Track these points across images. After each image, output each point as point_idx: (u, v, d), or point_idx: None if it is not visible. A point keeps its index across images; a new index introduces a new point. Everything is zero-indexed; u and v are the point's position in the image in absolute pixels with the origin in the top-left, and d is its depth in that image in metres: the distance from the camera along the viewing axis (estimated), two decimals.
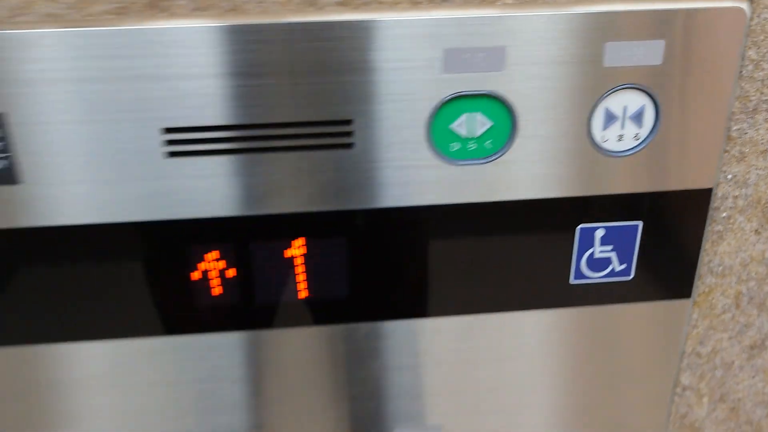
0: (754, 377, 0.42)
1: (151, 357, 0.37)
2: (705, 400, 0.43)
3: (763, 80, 0.34)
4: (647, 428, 0.43)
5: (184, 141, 0.32)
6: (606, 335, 0.40)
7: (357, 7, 0.31)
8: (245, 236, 0.35)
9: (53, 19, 0.30)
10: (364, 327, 0.38)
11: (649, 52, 0.33)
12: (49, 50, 0.30)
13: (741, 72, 0.34)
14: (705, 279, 0.39)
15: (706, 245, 0.38)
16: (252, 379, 0.38)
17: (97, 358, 0.37)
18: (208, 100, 0.32)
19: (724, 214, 0.37)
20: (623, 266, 0.38)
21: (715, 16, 0.32)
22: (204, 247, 0.35)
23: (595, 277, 0.38)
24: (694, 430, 0.44)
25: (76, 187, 0.33)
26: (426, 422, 0.42)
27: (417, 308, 0.38)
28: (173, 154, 0.33)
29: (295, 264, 0.36)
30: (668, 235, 0.37)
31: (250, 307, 0.37)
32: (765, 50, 0.33)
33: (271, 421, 0.40)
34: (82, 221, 0.33)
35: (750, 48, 0.33)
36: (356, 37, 0.31)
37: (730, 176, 0.36)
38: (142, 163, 0.33)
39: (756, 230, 0.38)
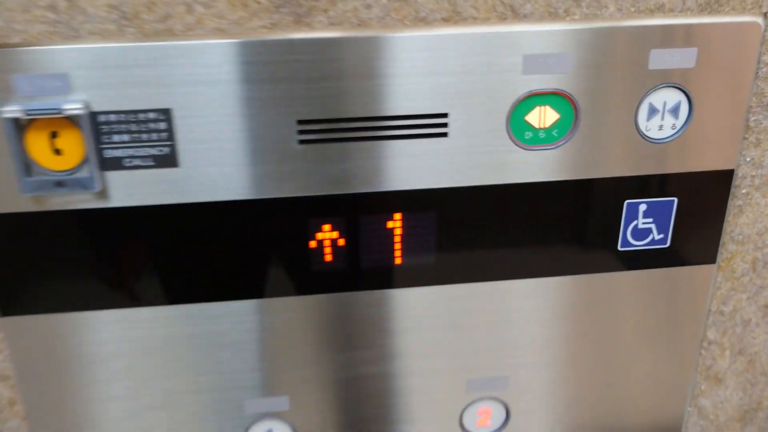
0: None
1: (270, 315, 0.44)
2: (727, 353, 0.50)
3: None
4: (677, 378, 0.51)
5: (313, 131, 0.40)
6: (645, 296, 0.48)
7: (457, 23, 0.39)
8: (355, 211, 0.42)
9: (220, 33, 0.37)
10: (448, 289, 0.45)
11: (685, 58, 0.41)
12: (212, 57, 0.38)
13: (757, 73, 0.42)
14: (727, 246, 0.47)
15: (729, 217, 0.46)
16: (355, 332, 0.46)
17: (229, 316, 0.44)
18: (333, 98, 0.39)
19: (744, 191, 0.45)
20: (661, 236, 0.46)
21: (737, 29, 0.41)
22: (321, 220, 0.43)
23: (638, 245, 0.46)
24: (717, 380, 0.51)
25: (223, 170, 0.40)
26: (492, 374, 0.49)
27: (492, 272, 0.45)
28: (303, 141, 0.40)
29: (394, 234, 0.43)
30: (698, 208, 0.45)
31: (357, 272, 0.44)
32: None
33: (370, 369, 0.47)
34: (226, 198, 0.41)
35: (765, 54, 0.41)
36: (454, 46, 0.39)
37: (748, 159, 0.44)
38: (278, 149, 0.40)
39: None
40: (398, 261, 0.44)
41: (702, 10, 0.40)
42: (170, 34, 0.37)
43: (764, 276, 0.48)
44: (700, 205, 0.45)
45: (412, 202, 0.43)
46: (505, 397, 0.50)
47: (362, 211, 0.43)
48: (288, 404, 0.47)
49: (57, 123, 0.38)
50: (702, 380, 0.51)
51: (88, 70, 0.37)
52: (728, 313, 0.49)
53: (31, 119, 0.38)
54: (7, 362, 0.44)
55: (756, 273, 0.48)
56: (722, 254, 0.47)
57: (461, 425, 0.50)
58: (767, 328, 0.50)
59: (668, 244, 0.46)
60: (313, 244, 0.43)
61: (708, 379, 0.51)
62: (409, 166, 0.42)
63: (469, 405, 0.50)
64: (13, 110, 0.37)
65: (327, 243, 0.43)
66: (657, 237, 0.46)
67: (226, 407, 0.47)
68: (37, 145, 0.38)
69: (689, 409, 0.52)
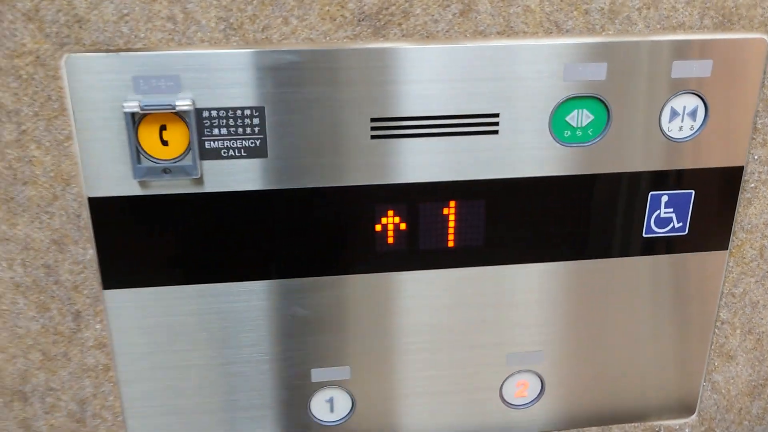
0: None
1: (337, 291, 0.50)
2: (738, 332, 0.57)
3: None
4: (694, 355, 0.57)
5: (383, 128, 0.46)
6: (666, 278, 0.54)
7: (510, 36, 0.45)
8: (415, 198, 0.49)
9: (310, 42, 0.43)
10: (493, 270, 0.51)
11: (701, 68, 0.47)
12: (301, 62, 0.44)
13: (764, 82, 0.48)
14: (738, 235, 0.53)
15: (739, 208, 0.52)
16: (410, 308, 0.51)
17: (299, 291, 0.50)
18: (401, 99, 0.46)
19: (752, 185, 0.52)
20: (680, 224, 0.52)
21: (746, 44, 0.47)
22: (385, 207, 0.49)
23: (660, 232, 0.52)
24: (729, 357, 0.57)
25: (305, 160, 0.46)
26: (530, 349, 0.55)
27: (532, 255, 0.51)
28: (374, 137, 0.46)
29: (448, 220, 0.50)
30: (712, 200, 0.52)
31: (415, 253, 0.50)
32: None
33: (422, 342, 0.53)
34: (309, 185, 0.47)
35: None
36: (506, 55, 0.45)
37: (756, 157, 0.51)
38: (353, 143, 0.46)
39: None
40: (451, 244, 0.50)
41: (716, 27, 0.47)
42: (268, 42, 0.43)
43: None
44: (714, 197, 0.52)
45: (465, 191, 0.49)
46: (541, 370, 0.56)
47: (421, 199, 0.49)
48: (349, 374, 0.53)
49: (166, 117, 0.44)
50: (715, 357, 0.57)
51: (196, 72, 0.43)
52: (739, 295, 0.55)
53: (144, 114, 0.44)
54: (105, 331, 0.49)
55: (763, 259, 0.54)
56: (733, 241, 0.53)
57: (501, 396, 0.56)
58: None
59: (686, 231, 0.52)
60: (378, 227, 0.49)
61: (721, 356, 0.57)
62: (464, 160, 0.48)
63: (508, 377, 0.55)
64: (131, 106, 0.43)
65: (390, 227, 0.49)
66: (677, 225, 0.52)
67: (294, 375, 0.52)
68: (148, 136, 0.44)
69: (704, 383, 0.58)
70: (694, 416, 0.59)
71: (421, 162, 0.48)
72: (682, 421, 0.59)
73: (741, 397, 0.59)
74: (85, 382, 0.51)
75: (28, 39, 0.41)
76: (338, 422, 0.55)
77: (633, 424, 0.59)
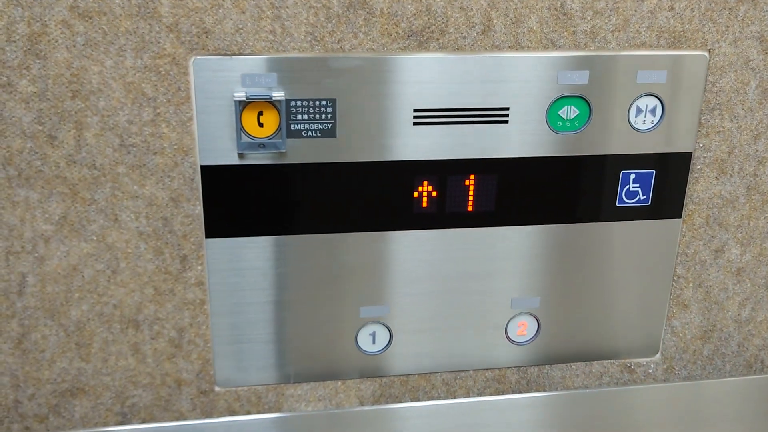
0: (718, 271, 0.72)
1: (382, 244, 0.65)
2: (690, 285, 0.72)
3: (716, 92, 0.65)
4: (655, 304, 0.72)
5: (423, 116, 0.61)
6: (634, 240, 0.69)
7: (518, 49, 0.61)
8: (444, 172, 0.64)
9: (372, 51, 0.59)
10: (503, 229, 0.66)
11: (659, 76, 0.63)
12: (365, 66, 0.59)
13: (705, 87, 0.65)
14: (689, 206, 0.69)
15: (689, 185, 0.68)
16: (439, 259, 0.66)
17: (355, 243, 0.64)
18: (437, 94, 0.61)
19: (699, 167, 0.67)
20: (645, 197, 0.68)
21: (692, 58, 0.64)
22: (421, 178, 0.64)
23: (630, 202, 0.68)
24: (684, 306, 0.73)
25: (363, 141, 0.61)
26: (529, 295, 0.70)
27: (534, 218, 0.67)
28: (416, 123, 0.62)
29: (469, 189, 0.65)
30: (668, 178, 0.67)
31: (442, 215, 0.65)
32: (717, 76, 0.65)
33: (446, 287, 0.67)
34: (366, 159, 0.62)
35: (710, 75, 0.64)
36: (515, 64, 0.61)
37: (701, 145, 0.67)
38: (399, 128, 0.61)
39: (716, 177, 0.68)
40: (470, 208, 0.65)
41: (669, 46, 0.63)
42: (342, 51, 0.59)
43: (714, 228, 0.70)
44: (670, 176, 0.67)
45: (482, 167, 0.64)
46: (538, 313, 0.70)
47: (449, 172, 0.64)
48: (389, 311, 0.68)
49: (263, 105, 0.59)
50: (674, 306, 0.72)
51: (288, 72, 0.59)
52: (690, 254, 0.71)
53: (248, 102, 0.59)
54: (204, 272, 0.63)
55: (708, 226, 0.70)
56: (685, 212, 0.69)
57: (506, 334, 0.71)
58: (717, 268, 0.72)
59: (650, 203, 0.68)
60: (415, 194, 0.64)
61: (678, 305, 0.73)
62: (482, 143, 0.63)
63: (512, 318, 0.70)
64: (239, 96, 0.58)
65: (425, 194, 0.64)
66: (642, 197, 0.68)
67: (348, 311, 0.67)
68: (249, 119, 0.59)
69: (665, 328, 0.73)
70: (658, 355, 0.74)
71: (449, 144, 0.63)
72: (648, 359, 0.74)
73: (694, 341, 0.74)
74: (184, 314, 0.65)
75: (168, 45, 0.56)
76: (379, 352, 0.69)
77: (610, 360, 0.74)
